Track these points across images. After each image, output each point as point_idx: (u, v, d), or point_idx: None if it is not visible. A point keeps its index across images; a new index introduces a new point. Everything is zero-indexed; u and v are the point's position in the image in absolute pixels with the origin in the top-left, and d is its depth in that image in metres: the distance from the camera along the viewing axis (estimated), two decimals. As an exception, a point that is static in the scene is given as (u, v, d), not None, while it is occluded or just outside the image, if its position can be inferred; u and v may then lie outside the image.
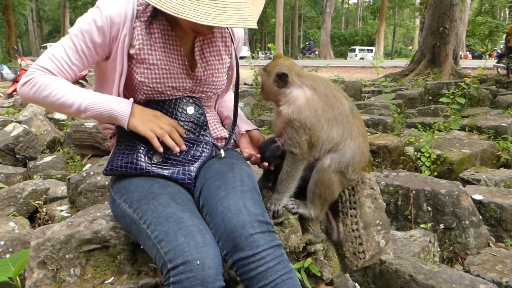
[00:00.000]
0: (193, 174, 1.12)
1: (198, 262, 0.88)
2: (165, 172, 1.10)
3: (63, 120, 5.33)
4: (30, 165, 3.62)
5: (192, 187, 1.13)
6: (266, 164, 1.25)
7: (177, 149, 1.09)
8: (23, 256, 1.41)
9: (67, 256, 1.08)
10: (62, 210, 2.63)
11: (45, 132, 4.44)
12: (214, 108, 1.38)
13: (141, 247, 1.07)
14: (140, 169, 1.09)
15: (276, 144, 1.24)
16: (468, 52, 25.09)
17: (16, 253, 1.67)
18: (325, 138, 1.16)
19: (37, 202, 2.60)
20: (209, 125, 1.24)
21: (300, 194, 1.26)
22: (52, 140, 4.41)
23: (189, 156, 1.13)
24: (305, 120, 1.14)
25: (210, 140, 1.17)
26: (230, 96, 1.44)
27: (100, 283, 1.10)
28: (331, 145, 1.18)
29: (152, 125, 1.07)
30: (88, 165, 3.22)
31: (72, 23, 1.14)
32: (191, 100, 1.19)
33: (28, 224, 2.24)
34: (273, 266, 0.96)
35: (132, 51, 1.11)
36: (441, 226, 2.17)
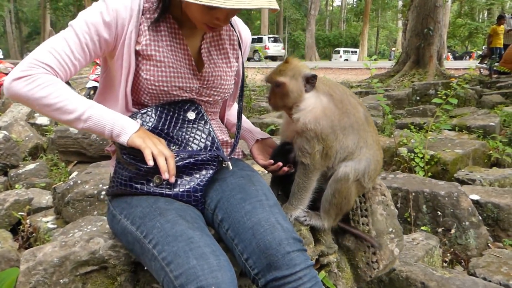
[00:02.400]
0: (198, 195, 1.03)
1: (213, 287, 0.80)
2: (168, 191, 1.01)
3: (45, 126, 5.12)
4: (12, 174, 3.44)
5: (199, 206, 1.05)
6: (286, 169, 1.18)
7: (166, 176, 0.96)
8: (10, 276, 1.29)
9: (61, 280, 0.98)
10: (47, 222, 2.48)
11: (27, 138, 4.25)
12: (222, 120, 1.32)
13: (145, 267, 0.98)
14: (141, 191, 1.01)
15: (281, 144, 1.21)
16: (449, 53, 25.77)
17: (1, 272, 1.54)
18: (339, 148, 1.11)
19: (20, 213, 2.45)
20: (214, 132, 1.17)
21: (313, 205, 1.20)
22: (34, 146, 4.23)
23: (192, 175, 1.04)
24: (322, 131, 1.08)
25: (216, 148, 1.09)
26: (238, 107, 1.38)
27: (98, 307, 1.00)
28: (346, 154, 1.13)
29: (152, 144, 0.98)
30: (75, 173, 3.07)
31: (52, 25, 1.01)
32: (193, 107, 1.12)
33: (11, 237, 2.12)
34: (310, 287, 0.90)
35: (138, 47, 1.03)
36: (442, 227, 2.14)
